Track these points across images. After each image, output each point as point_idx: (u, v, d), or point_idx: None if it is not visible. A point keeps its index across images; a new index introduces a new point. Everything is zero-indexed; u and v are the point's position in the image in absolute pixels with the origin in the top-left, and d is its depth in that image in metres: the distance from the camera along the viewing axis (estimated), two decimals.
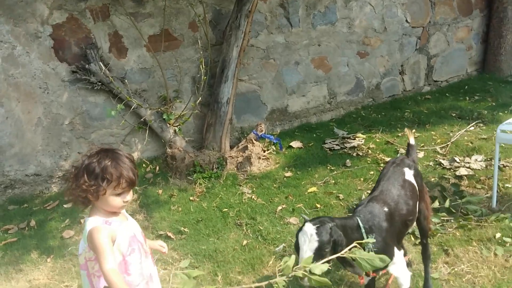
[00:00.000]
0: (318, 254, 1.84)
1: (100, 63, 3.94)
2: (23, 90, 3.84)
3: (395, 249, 2.11)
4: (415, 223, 2.39)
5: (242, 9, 4.25)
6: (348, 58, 5.26)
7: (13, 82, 3.80)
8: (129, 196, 1.82)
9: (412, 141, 2.64)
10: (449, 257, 2.61)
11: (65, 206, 3.79)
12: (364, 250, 1.92)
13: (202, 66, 3.98)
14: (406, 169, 2.39)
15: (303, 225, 1.96)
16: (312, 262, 1.71)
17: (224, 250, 2.95)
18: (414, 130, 4.50)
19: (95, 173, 1.72)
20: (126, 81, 4.07)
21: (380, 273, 2.36)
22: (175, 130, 4.34)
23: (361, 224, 2.06)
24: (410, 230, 2.52)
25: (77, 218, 3.58)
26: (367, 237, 2.02)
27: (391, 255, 2.06)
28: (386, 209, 2.14)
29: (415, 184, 2.36)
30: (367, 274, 2.21)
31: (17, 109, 3.84)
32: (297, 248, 1.95)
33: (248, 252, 2.91)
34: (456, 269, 2.51)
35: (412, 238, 2.88)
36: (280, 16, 4.80)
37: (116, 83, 4.01)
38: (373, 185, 3.55)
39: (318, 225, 1.92)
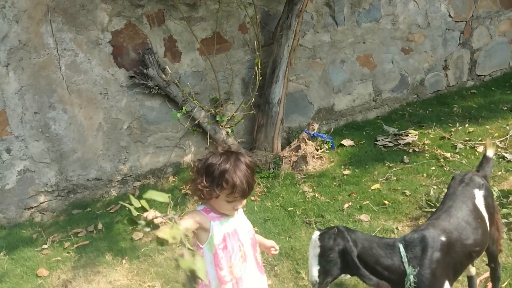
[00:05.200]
0: (323, 261, 1.80)
1: (158, 67, 4.01)
2: (85, 96, 3.93)
3: (447, 284, 1.89)
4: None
5: (293, 8, 4.27)
6: (393, 55, 5.24)
7: (75, 88, 3.88)
8: (241, 204, 1.82)
9: (490, 153, 2.34)
10: None
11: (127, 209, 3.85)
12: (406, 283, 1.81)
13: (258, 67, 4.01)
14: (476, 191, 2.11)
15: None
16: (320, 272, 1.77)
17: (301, 248, 2.96)
18: (467, 125, 4.48)
19: (213, 176, 1.73)
20: (188, 84, 4.13)
21: None
22: (227, 132, 4.38)
23: (402, 252, 1.85)
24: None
25: None
26: (409, 267, 1.83)
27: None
28: (443, 238, 1.89)
29: (485, 208, 2.10)
30: None
31: (79, 115, 3.93)
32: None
33: None
34: None
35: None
36: (326, 15, 4.82)
37: (173, 86, 4.08)
38: (437, 180, 3.58)
39: (323, 232, 1.85)
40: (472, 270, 2.31)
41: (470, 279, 2.33)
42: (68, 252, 3.35)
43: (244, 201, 1.83)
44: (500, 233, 2.24)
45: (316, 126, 4.46)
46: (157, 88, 4.06)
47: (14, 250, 3.42)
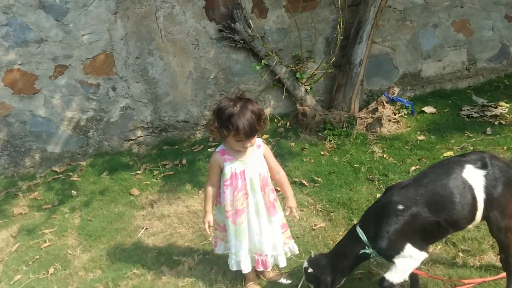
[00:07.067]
0: None
1: (244, 22, 4.26)
2: (178, 45, 4.35)
3: (409, 246, 1.96)
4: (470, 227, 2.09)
5: None
6: (494, 22, 4.84)
7: (171, 38, 4.32)
8: (249, 143, 2.10)
9: None
10: None
11: (209, 150, 4.29)
12: (370, 257, 2.04)
13: (340, 26, 4.05)
14: (469, 166, 2.01)
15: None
16: None
17: (358, 200, 3.10)
18: None
19: (222, 119, 2.03)
20: (271, 39, 4.34)
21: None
22: (306, 89, 4.53)
23: (361, 234, 2.04)
24: (450, 235, 2.27)
25: None
26: (370, 248, 2.03)
27: (398, 250, 1.96)
28: (400, 206, 1.96)
29: (484, 188, 1.98)
30: None
31: (173, 63, 4.39)
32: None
33: None
34: None
35: None
36: None
37: (257, 41, 4.31)
38: None
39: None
40: None
41: None
42: (156, 179, 3.89)
43: (254, 140, 2.12)
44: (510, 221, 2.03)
45: (396, 90, 4.40)
46: (242, 42, 4.33)
47: (114, 172, 4.06)
